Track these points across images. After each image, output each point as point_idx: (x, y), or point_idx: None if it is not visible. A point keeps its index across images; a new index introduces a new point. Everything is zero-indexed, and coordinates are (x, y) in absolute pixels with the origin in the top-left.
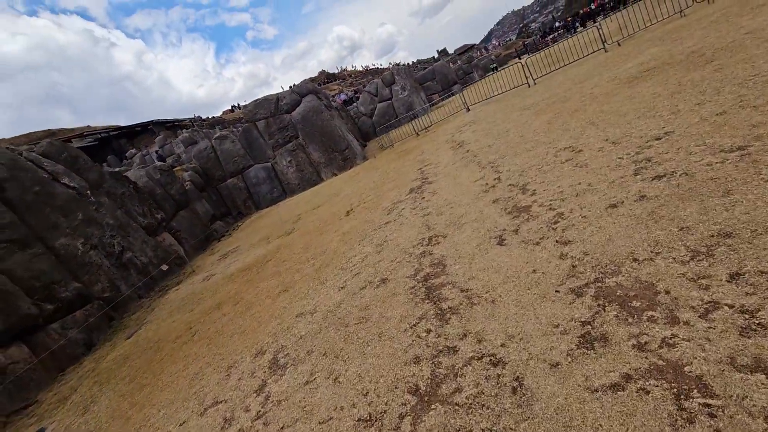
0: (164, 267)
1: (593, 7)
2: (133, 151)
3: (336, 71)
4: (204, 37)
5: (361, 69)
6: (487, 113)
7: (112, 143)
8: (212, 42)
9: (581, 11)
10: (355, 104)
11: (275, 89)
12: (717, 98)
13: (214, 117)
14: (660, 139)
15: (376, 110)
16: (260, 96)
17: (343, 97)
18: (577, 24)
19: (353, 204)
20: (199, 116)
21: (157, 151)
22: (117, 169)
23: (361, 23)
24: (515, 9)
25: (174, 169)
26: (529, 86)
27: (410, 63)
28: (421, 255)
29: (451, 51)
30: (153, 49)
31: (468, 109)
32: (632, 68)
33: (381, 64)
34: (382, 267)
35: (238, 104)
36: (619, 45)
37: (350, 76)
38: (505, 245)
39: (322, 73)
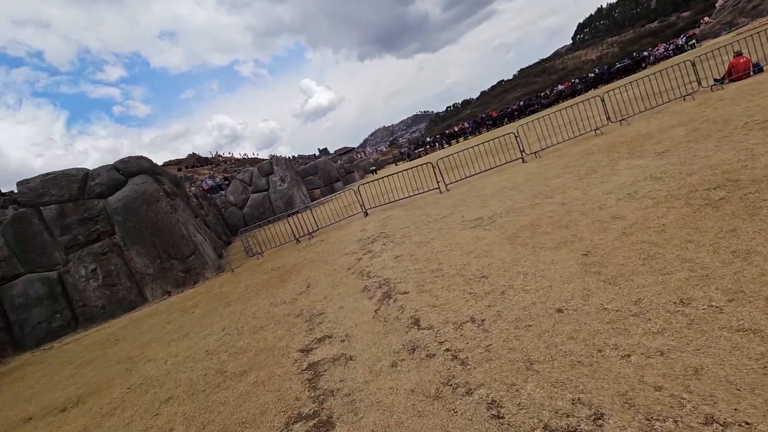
0: None
1: (456, 129)
2: None
3: (210, 155)
4: (54, 104)
5: (239, 157)
6: (401, 223)
7: None
8: (65, 110)
9: (446, 131)
10: (223, 192)
11: None
12: None
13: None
14: None
15: (249, 201)
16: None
17: (209, 182)
18: (444, 141)
19: None
20: None
21: None
22: None
23: (243, 116)
24: (386, 125)
25: None
26: (441, 192)
27: (292, 156)
28: None
29: (331, 151)
30: None
31: (366, 213)
32: (644, 182)
33: (260, 155)
34: None
35: None
36: (537, 156)
37: (225, 162)
38: None
39: (193, 155)
